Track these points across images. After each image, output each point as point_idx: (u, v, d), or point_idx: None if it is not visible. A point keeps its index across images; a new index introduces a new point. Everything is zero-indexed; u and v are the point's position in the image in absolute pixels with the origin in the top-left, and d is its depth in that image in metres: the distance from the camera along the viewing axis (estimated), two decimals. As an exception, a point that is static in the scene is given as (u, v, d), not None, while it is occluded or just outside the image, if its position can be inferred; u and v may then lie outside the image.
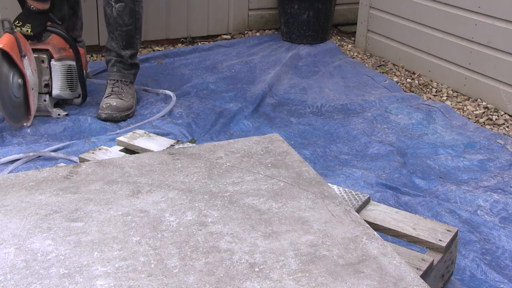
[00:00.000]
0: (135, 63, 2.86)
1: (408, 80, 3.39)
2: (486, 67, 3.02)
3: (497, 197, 2.17)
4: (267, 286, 1.11)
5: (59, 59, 2.65)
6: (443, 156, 2.50)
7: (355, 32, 3.96)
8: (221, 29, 3.96)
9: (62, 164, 2.04)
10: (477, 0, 3.00)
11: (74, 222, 1.30)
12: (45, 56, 2.62)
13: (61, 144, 2.42)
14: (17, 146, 2.40)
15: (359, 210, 1.64)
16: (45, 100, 2.66)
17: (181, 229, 1.28)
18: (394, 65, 3.61)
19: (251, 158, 1.61)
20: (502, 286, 1.76)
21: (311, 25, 3.81)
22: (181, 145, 1.97)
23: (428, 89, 3.28)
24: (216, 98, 3.01)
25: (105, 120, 2.68)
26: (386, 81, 3.34)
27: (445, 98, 3.17)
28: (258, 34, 4.04)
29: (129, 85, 2.82)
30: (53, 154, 2.34)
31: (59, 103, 2.78)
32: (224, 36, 3.96)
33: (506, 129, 2.82)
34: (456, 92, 3.22)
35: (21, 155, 2.31)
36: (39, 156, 2.34)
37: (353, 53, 3.82)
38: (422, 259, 1.47)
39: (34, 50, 2.60)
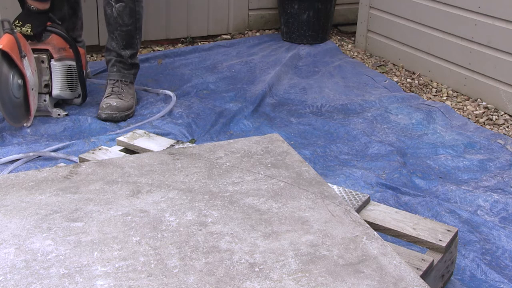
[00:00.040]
0: (135, 63, 2.86)
1: (408, 80, 3.39)
2: (486, 67, 3.02)
3: (497, 197, 2.17)
4: (267, 286, 1.11)
5: (59, 59, 2.65)
6: (443, 156, 2.50)
7: (355, 32, 3.96)
8: (221, 29, 3.96)
9: (62, 164, 2.04)
10: (477, 0, 3.00)
11: (74, 222, 1.30)
12: (45, 56, 2.62)
13: (61, 144, 2.42)
14: (17, 146, 2.40)
15: (359, 210, 1.64)
16: (45, 100, 2.66)
17: (181, 229, 1.28)
18: (394, 65, 3.61)
19: (251, 158, 1.61)
20: (502, 286, 1.76)
21: (311, 25, 3.81)
22: (181, 145, 1.97)
23: (428, 89, 3.28)
24: (216, 98, 3.01)
25: (105, 120, 2.68)
26: (386, 81, 3.34)
27: (445, 98, 3.17)
28: (258, 34, 4.04)
29: (129, 85, 2.82)
30: (53, 154, 2.34)
31: (59, 103, 2.78)
32: (224, 36, 3.96)
33: (506, 129, 2.82)
34: (456, 92, 3.22)
35: (21, 155, 2.31)
36: (39, 156, 2.34)
37: (353, 53, 3.82)
38: (422, 259, 1.47)
39: (34, 50, 2.60)
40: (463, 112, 3.00)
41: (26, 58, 2.48)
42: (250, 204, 1.39)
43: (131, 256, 1.19)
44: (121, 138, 2.03)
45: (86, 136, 2.55)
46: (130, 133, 2.06)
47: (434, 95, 3.21)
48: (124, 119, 2.72)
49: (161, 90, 3.02)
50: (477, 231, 2.00)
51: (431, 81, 3.36)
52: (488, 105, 3.02)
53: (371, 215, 1.64)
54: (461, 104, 3.08)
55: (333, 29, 4.17)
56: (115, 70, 2.80)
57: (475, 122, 2.89)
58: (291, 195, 1.43)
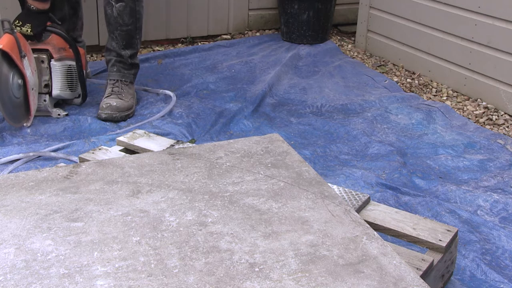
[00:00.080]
0: (135, 63, 2.86)
1: (408, 80, 3.39)
2: (486, 67, 3.02)
3: (497, 197, 2.17)
4: (267, 286, 1.11)
5: (59, 59, 2.65)
6: (443, 156, 2.50)
7: (355, 32, 3.96)
8: (221, 29, 3.96)
9: (62, 164, 2.04)
10: (477, 0, 3.00)
11: (74, 222, 1.30)
12: (45, 56, 2.62)
13: (61, 144, 2.42)
14: (17, 146, 2.40)
15: (359, 210, 1.64)
16: (45, 100, 2.66)
17: (181, 229, 1.28)
18: (394, 65, 3.61)
19: (251, 158, 1.61)
20: (502, 286, 1.76)
21: (311, 25, 3.81)
22: (181, 145, 1.97)
23: (428, 89, 3.28)
24: (216, 98, 3.01)
25: (105, 120, 2.68)
26: (386, 81, 3.34)
27: (445, 98, 3.17)
28: (258, 34, 4.04)
29: (129, 85, 2.82)
30: (53, 154, 2.34)
31: (59, 103, 2.78)
32: (224, 36, 3.96)
33: (506, 129, 2.82)
34: (456, 92, 3.22)
35: (21, 155, 2.31)
36: (39, 156, 2.34)
37: (353, 53, 3.82)
38: (422, 259, 1.47)
39: (34, 50, 2.60)
40: (463, 112, 3.00)
41: (26, 58, 2.48)
42: (250, 204, 1.39)
43: (131, 256, 1.19)
44: (121, 138, 2.03)
45: (86, 136, 2.55)
46: (130, 133, 2.06)
47: (434, 95, 3.21)
48: (124, 119, 2.72)
49: (161, 90, 3.02)
50: (477, 231, 2.00)
51: (431, 81, 3.36)
52: (488, 105, 3.02)
53: (371, 215, 1.64)
54: (461, 104, 3.08)
55: (333, 29, 4.17)
56: (115, 70, 2.80)
57: (475, 122, 2.89)
58: (291, 195, 1.43)
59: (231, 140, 1.71)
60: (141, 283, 1.11)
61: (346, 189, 1.72)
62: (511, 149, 2.59)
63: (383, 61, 3.67)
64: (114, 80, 2.79)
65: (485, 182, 2.31)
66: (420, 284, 1.14)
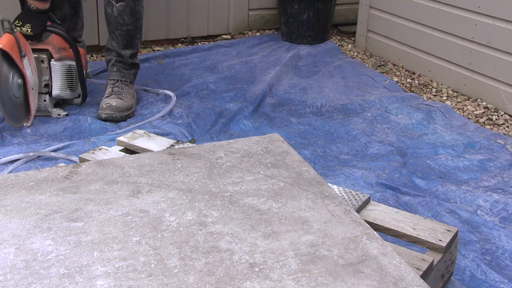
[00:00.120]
0: (135, 63, 2.86)
1: (408, 80, 3.39)
2: (486, 67, 3.02)
3: (497, 197, 2.17)
4: (267, 286, 1.11)
5: (59, 59, 2.65)
6: (443, 156, 2.50)
7: (355, 32, 3.96)
8: (221, 29, 3.96)
9: (62, 164, 2.04)
10: (477, 0, 3.00)
11: (74, 222, 1.30)
12: (45, 56, 2.62)
13: (61, 144, 2.42)
14: (17, 146, 2.40)
15: (359, 210, 1.64)
16: (45, 100, 2.66)
17: (181, 229, 1.28)
18: (394, 65, 3.61)
19: (251, 158, 1.61)
20: (502, 286, 1.76)
21: (311, 25, 3.81)
22: (181, 145, 1.97)
23: (428, 89, 3.28)
24: (216, 98, 3.01)
25: (105, 120, 2.68)
26: (386, 81, 3.34)
27: (445, 98, 3.17)
28: (258, 34, 4.04)
29: (129, 85, 2.82)
30: (53, 154, 2.34)
31: (59, 103, 2.78)
32: (224, 36, 3.96)
33: (506, 129, 2.82)
34: (456, 92, 3.22)
35: (21, 155, 2.31)
36: (39, 156, 2.34)
37: (353, 53, 3.82)
38: (422, 259, 1.47)
39: (34, 50, 2.60)
40: (463, 112, 3.00)
41: (26, 57, 2.48)
42: (250, 204, 1.39)
43: (131, 256, 1.19)
44: (121, 138, 2.03)
45: (86, 136, 2.55)
46: (130, 133, 2.06)
47: (434, 95, 3.21)
48: (124, 119, 2.72)
49: (161, 90, 3.02)
50: (477, 231, 2.00)
51: (431, 81, 3.36)
52: (488, 105, 3.02)
53: (371, 215, 1.64)
54: (461, 104, 3.08)
55: (333, 29, 4.17)
56: (115, 70, 2.80)
57: (475, 122, 2.89)
58: (291, 195, 1.43)
59: (231, 140, 1.71)
60: (141, 283, 1.11)
61: (346, 189, 1.72)
62: (511, 149, 2.59)
63: (383, 61, 3.67)
64: (114, 80, 2.79)
65: (485, 182, 2.31)
66: (420, 284, 1.14)
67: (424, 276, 1.43)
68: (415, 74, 3.46)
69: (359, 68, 3.51)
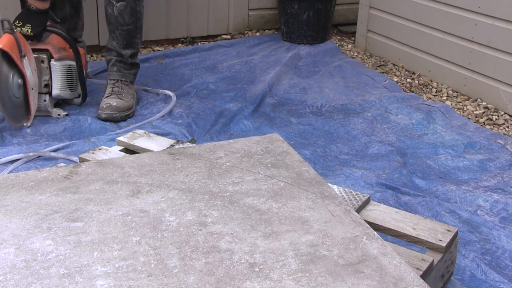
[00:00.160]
0: (136, 62, 2.86)
1: (408, 80, 3.39)
2: (486, 67, 3.02)
3: (497, 197, 2.17)
4: (267, 286, 1.11)
5: (59, 59, 2.65)
6: (443, 156, 2.50)
7: (355, 32, 3.96)
8: (221, 29, 3.96)
9: (62, 164, 2.04)
10: (477, 0, 3.00)
11: (74, 222, 1.30)
12: (45, 56, 2.62)
13: (61, 144, 2.42)
14: (17, 146, 2.40)
15: (359, 210, 1.64)
16: (45, 100, 2.66)
17: (181, 229, 1.28)
18: (394, 65, 3.61)
19: (251, 158, 1.61)
20: (502, 286, 1.76)
21: (311, 25, 3.81)
22: (181, 145, 1.97)
23: (428, 89, 3.28)
24: (216, 98, 3.01)
25: (105, 120, 2.68)
26: (386, 81, 3.34)
27: (445, 98, 3.17)
28: (258, 34, 4.04)
29: (129, 85, 2.82)
30: (53, 154, 2.34)
31: (59, 103, 2.78)
32: (224, 36, 3.96)
33: (506, 129, 2.82)
34: (456, 92, 3.22)
35: (21, 155, 2.31)
36: (39, 156, 2.34)
37: (353, 53, 3.82)
38: (422, 259, 1.47)
39: (34, 50, 2.60)
40: (463, 112, 3.00)
41: (26, 57, 2.48)
42: (250, 204, 1.39)
43: (131, 256, 1.19)
44: (121, 138, 2.03)
45: (86, 136, 2.55)
46: (130, 133, 2.06)
47: (434, 95, 3.21)
48: (124, 119, 2.72)
49: (161, 90, 3.02)
50: (477, 231, 2.00)
51: (431, 81, 3.36)
52: (488, 105, 3.02)
53: (371, 215, 1.64)
54: (461, 104, 3.08)
55: (333, 29, 4.17)
56: (115, 69, 2.80)
57: (475, 122, 2.89)
58: (291, 195, 1.43)
59: (231, 140, 1.71)
60: (141, 283, 1.11)
61: (346, 189, 1.72)
62: (511, 149, 2.59)
63: (383, 61, 3.67)
64: (114, 80, 2.79)
65: (485, 182, 2.31)
66: (420, 284, 1.14)
67: (424, 276, 1.43)
68: (415, 74, 3.46)
69: (359, 68, 3.51)
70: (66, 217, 1.32)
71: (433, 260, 1.48)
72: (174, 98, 2.88)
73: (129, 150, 2.00)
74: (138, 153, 1.95)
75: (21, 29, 2.52)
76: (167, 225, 1.30)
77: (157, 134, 2.18)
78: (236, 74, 3.36)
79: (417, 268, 1.43)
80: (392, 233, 1.60)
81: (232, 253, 1.20)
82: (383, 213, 1.65)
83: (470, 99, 3.12)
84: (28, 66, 2.50)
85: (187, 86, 3.15)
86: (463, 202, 2.17)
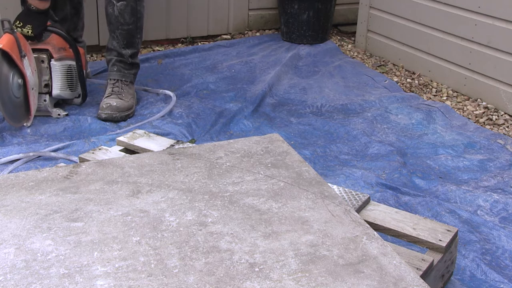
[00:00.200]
0: (136, 62, 2.86)
1: (408, 80, 3.39)
2: (486, 67, 3.02)
3: (497, 197, 2.17)
4: (267, 286, 1.11)
5: (59, 59, 2.65)
6: (443, 156, 2.50)
7: (355, 32, 3.96)
8: (221, 29, 3.96)
9: (62, 164, 2.04)
10: (477, 0, 3.00)
11: (74, 222, 1.30)
12: (45, 56, 2.62)
13: (61, 144, 2.42)
14: (17, 146, 2.40)
15: (359, 210, 1.64)
16: (45, 100, 2.66)
17: (181, 229, 1.28)
18: (394, 65, 3.61)
19: (251, 158, 1.61)
20: (502, 286, 1.76)
21: (311, 25, 3.81)
22: (181, 145, 1.97)
23: (428, 89, 3.28)
24: (216, 98, 3.01)
25: (105, 120, 2.68)
26: (386, 81, 3.34)
27: (445, 98, 3.17)
28: (258, 34, 4.04)
29: (129, 85, 2.82)
30: (53, 154, 2.34)
31: (59, 103, 2.78)
32: (224, 36, 3.96)
33: (506, 129, 2.82)
34: (456, 92, 3.22)
35: (21, 155, 2.31)
36: (39, 156, 2.34)
37: (353, 53, 3.82)
38: (422, 259, 1.47)
39: (34, 50, 2.60)
40: (463, 112, 3.00)
41: (26, 57, 2.48)
42: (250, 204, 1.39)
43: (131, 256, 1.19)
44: (121, 138, 2.03)
45: (86, 136, 2.55)
46: (130, 133, 2.06)
47: (434, 95, 3.21)
48: (124, 119, 2.72)
49: (161, 90, 3.02)
50: (477, 231, 2.00)
51: (431, 81, 3.36)
52: (488, 105, 3.02)
53: (371, 215, 1.64)
54: (461, 104, 3.08)
55: (333, 29, 4.17)
56: (115, 69, 2.80)
57: (475, 122, 2.89)
58: (291, 195, 1.43)
59: (231, 140, 1.71)
60: (141, 283, 1.11)
61: (346, 189, 1.72)
62: (511, 149, 2.59)
63: (383, 61, 3.67)
64: (114, 80, 2.79)
65: (485, 182, 2.31)
66: (420, 284, 1.14)
67: (424, 276, 1.43)
68: (415, 74, 3.46)
69: (359, 68, 3.51)
70: (66, 217, 1.32)
71: (433, 260, 1.48)
72: (174, 98, 2.88)
73: (129, 150, 2.00)
74: (138, 153, 1.95)
75: (22, 30, 2.52)
76: (167, 225, 1.30)
77: (157, 134, 2.18)
78: (236, 74, 3.36)
79: (417, 268, 1.43)
80: (392, 233, 1.60)
81: (232, 253, 1.20)
82: (383, 213, 1.65)
83: (470, 99, 3.12)
84: (28, 66, 2.50)
85: (187, 86, 3.15)
86: (463, 202, 2.17)
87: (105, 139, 2.48)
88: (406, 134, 2.73)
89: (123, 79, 2.80)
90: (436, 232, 1.58)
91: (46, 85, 2.65)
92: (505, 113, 2.94)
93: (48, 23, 2.61)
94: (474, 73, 3.10)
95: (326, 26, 3.87)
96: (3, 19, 2.46)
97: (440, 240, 1.55)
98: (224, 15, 3.94)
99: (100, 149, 1.99)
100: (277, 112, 2.91)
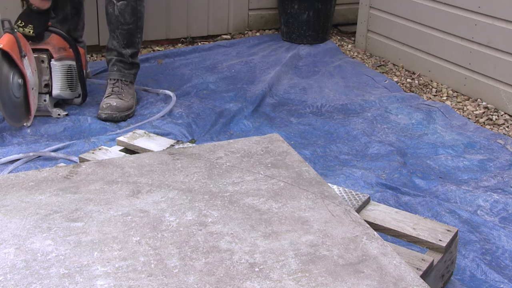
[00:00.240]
0: (136, 62, 2.86)
1: (408, 80, 3.39)
2: (486, 67, 3.02)
3: (497, 197, 2.17)
4: (267, 286, 1.11)
5: (59, 59, 2.65)
6: (443, 156, 2.50)
7: (355, 32, 3.96)
8: (221, 29, 3.96)
9: (62, 164, 2.04)
10: (477, 0, 3.00)
11: (74, 222, 1.30)
12: (45, 56, 2.62)
13: (61, 144, 2.42)
14: (17, 146, 2.40)
15: (359, 210, 1.64)
16: (45, 100, 2.66)
17: (181, 229, 1.28)
18: (394, 65, 3.61)
19: (251, 158, 1.61)
20: (502, 286, 1.76)
21: (311, 25, 3.81)
22: (181, 145, 1.97)
23: (428, 89, 3.28)
24: (216, 98, 3.01)
25: (105, 120, 2.68)
26: (386, 81, 3.34)
27: (445, 98, 3.17)
28: (258, 34, 4.04)
29: (129, 85, 2.82)
30: (53, 154, 2.34)
31: (59, 103, 2.78)
32: (224, 36, 3.96)
33: (506, 129, 2.82)
34: (456, 92, 3.22)
35: (21, 155, 2.31)
36: (39, 156, 2.34)
37: (353, 53, 3.82)
38: (422, 259, 1.47)
39: (34, 50, 2.60)
40: (463, 112, 3.00)
41: (26, 57, 2.48)
42: (250, 204, 1.39)
43: (131, 256, 1.19)
44: (121, 138, 2.03)
45: (86, 136, 2.55)
46: (130, 133, 2.06)
47: (434, 95, 3.21)
48: (124, 119, 2.72)
49: (161, 90, 3.02)
50: (477, 231, 2.00)
51: (431, 81, 3.36)
52: (488, 105, 3.02)
53: (371, 215, 1.64)
54: (461, 104, 3.08)
55: (333, 29, 4.17)
56: (115, 69, 2.80)
57: (475, 122, 2.89)
58: (291, 195, 1.43)
59: (231, 140, 1.71)
60: (141, 283, 1.11)
61: (346, 189, 1.72)
62: (511, 149, 2.59)
63: (383, 61, 3.67)
64: (114, 79, 2.79)
65: (485, 182, 2.31)
66: (420, 284, 1.14)
67: (424, 276, 1.43)
68: (415, 74, 3.46)
69: (359, 68, 3.51)
70: (66, 217, 1.32)
71: (433, 260, 1.48)
72: (174, 98, 2.88)
73: (129, 150, 2.00)
74: (138, 153, 1.95)
75: (23, 30, 2.52)
76: (167, 225, 1.30)
77: (157, 134, 2.18)
78: (236, 74, 3.36)
79: (417, 268, 1.43)
80: (392, 233, 1.60)
81: (232, 253, 1.20)
82: (383, 213, 1.65)
83: (470, 99, 3.12)
84: (28, 66, 2.50)
85: (187, 86, 3.15)
86: (463, 202, 2.17)
87: (105, 139, 2.48)
88: (406, 134, 2.73)
89: (123, 79, 2.80)
90: (436, 232, 1.58)
91: (46, 85, 2.65)
92: (505, 113, 2.95)
93: (49, 23, 2.61)
94: (474, 73, 3.10)
95: (326, 26, 3.87)
96: (3, 19, 2.45)
97: (440, 240, 1.55)
98: (224, 15, 3.94)
99: (100, 149, 1.99)
100: (277, 112, 2.91)
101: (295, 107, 2.98)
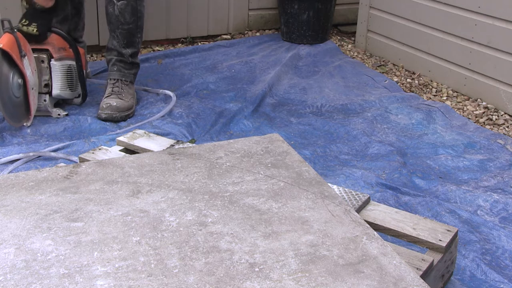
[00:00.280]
0: (136, 62, 2.86)
1: (408, 80, 3.39)
2: (486, 67, 3.02)
3: (497, 197, 2.17)
4: (267, 286, 1.11)
5: (59, 59, 2.65)
6: (443, 156, 2.50)
7: (355, 32, 3.96)
8: (221, 29, 3.96)
9: (62, 164, 2.04)
10: (477, 0, 3.00)
11: (74, 222, 1.30)
12: (45, 56, 2.62)
13: (61, 144, 2.42)
14: (17, 146, 2.40)
15: (359, 210, 1.64)
16: (45, 100, 2.66)
17: (181, 229, 1.28)
18: (394, 65, 3.61)
19: (251, 158, 1.61)
20: (502, 286, 1.76)
21: (311, 25, 3.81)
22: (181, 145, 1.97)
23: (428, 89, 3.28)
24: (216, 98, 3.01)
25: (105, 120, 2.68)
26: (386, 81, 3.34)
27: (445, 98, 3.17)
28: (258, 34, 4.04)
29: (129, 85, 2.82)
30: (53, 154, 2.34)
31: (59, 103, 2.78)
32: (224, 36, 3.96)
33: (506, 129, 2.82)
34: (456, 92, 3.22)
35: (21, 155, 2.31)
36: (39, 156, 2.34)
37: (353, 53, 3.82)
38: (422, 259, 1.47)
39: (34, 50, 2.60)
40: (463, 112, 3.00)
41: (26, 57, 2.48)
42: (250, 204, 1.39)
43: (131, 256, 1.19)
44: (121, 138, 2.03)
45: (86, 136, 2.55)
46: (130, 133, 2.06)
47: (434, 95, 3.21)
48: (124, 119, 2.72)
49: (161, 90, 3.02)
50: (477, 231, 2.00)
51: (431, 81, 3.36)
52: (488, 105, 3.02)
53: (371, 215, 1.64)
54: (461, 104, 3.08)
55: (333, 29, 4.17)
56: (115, 69, 2.80)
57: (475, 122, 2.89)
58: (291, 195, 1.43)
59: (231, 140, 1.71)
60: (141, 283, 1.11)
61: (346, 189, 1.72)
62: (511, 149, 2.59)
63: (383, 61, 3.67)
64: (114, 79, 2.79)
65: (485, 182, 2.31)
66: (420, 284, 1.14)
67: (424, 276, 1.43)
68: (415, 74, 3.46)
69: (359, 68, 3.51)
70: (66, 217, 1.32)
71: (433, 260, 1.48)
72: (174, 98, 2.88)
73: (129, 150, 2.00)
74: (138, 153, 1.95)
75: (27, 28, 2.52)
76: (167, 225, 1.30)
77: (157, 134, 2.18)
78: (236, 74, 3.36)
79: (417, 268, 1.43)
80: (392, 233, 1.60)
81: (232, 253, 1.20)
82: (383, 213, 1.65)
83: (470, 99, 3.12)
84: (28, 66, 2.50)
85: (187, 86, 3.15)
86: (463, 202, 2.17)
87: (105, 139, 2.48)
88: (406, 134, 2.73)
89: (123, 79, 2.80)
90: (436, 232, 1.58)
91: (46, 85, 2.65)
92: (505, 113, 2.95)
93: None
94: (474, 73, 3.10)
95: (326, 26, 3.87)
96: (3, 19, 2.45)
97: (440, 240, 1.55)
98: (224, 15, 3.94)
99: (100, 149, 1.99)
100: (277, 112, 2.91)
101: (295, 107, 2.98)
